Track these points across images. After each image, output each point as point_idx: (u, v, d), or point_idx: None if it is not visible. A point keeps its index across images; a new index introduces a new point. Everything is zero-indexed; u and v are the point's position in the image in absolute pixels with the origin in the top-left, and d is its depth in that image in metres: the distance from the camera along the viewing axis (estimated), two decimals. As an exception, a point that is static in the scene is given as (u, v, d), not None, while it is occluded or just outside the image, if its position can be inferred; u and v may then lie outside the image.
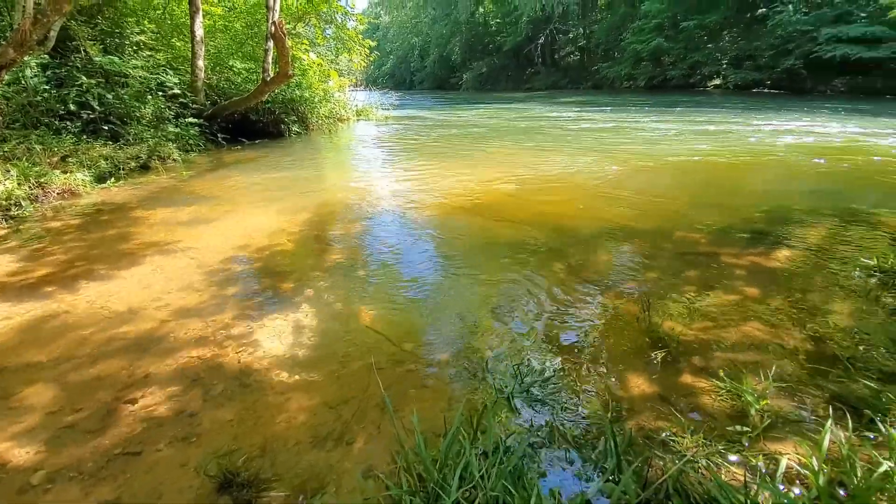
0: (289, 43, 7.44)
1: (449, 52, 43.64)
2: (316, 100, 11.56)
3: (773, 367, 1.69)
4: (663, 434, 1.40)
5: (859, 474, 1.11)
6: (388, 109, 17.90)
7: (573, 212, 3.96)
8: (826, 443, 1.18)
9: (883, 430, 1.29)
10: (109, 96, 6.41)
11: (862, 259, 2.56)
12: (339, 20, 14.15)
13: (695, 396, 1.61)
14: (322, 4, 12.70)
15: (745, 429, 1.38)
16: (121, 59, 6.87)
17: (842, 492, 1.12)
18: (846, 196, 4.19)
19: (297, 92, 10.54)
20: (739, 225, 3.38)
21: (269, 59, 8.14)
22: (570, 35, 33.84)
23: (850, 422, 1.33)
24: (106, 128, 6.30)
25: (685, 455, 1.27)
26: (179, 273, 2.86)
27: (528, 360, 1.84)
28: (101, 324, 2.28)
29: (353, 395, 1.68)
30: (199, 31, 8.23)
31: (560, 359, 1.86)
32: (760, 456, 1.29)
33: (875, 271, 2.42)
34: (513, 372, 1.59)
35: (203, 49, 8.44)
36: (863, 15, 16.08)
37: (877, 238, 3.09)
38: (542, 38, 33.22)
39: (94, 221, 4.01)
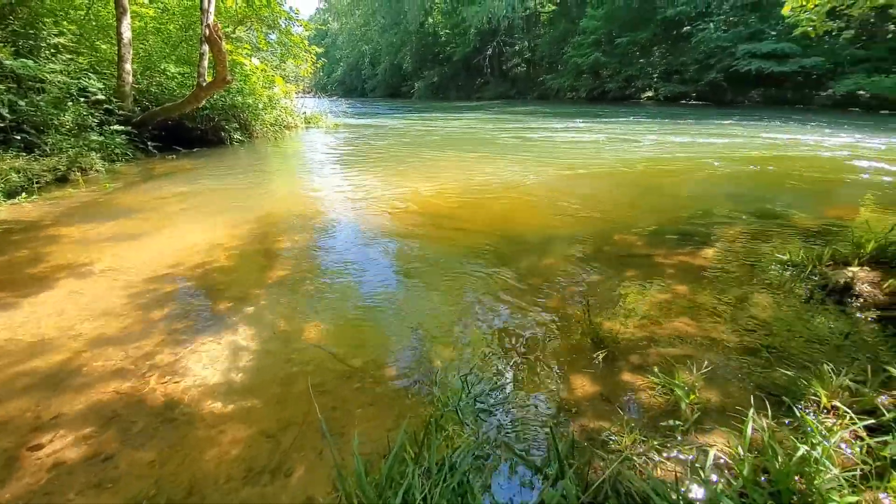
0: (226, 47, 7.10)
1: (400, 60, 43.75)
2: (260, 106, 11.12)
3: (702, 360, 1.80)
4: (604, 434, 1.44)
5: (780, 460, 1.19)
6: (339, 117, 17.59)
7: (522, 218, 4.05)
8: (749, 432, 1.26)
9: (797, 414, 1.40)
10: (22, 103, 5.77)
11: (777, 255, 2.82)
12: (283, 25, 13.73)
13: (634, 393, 1.67)
14: (263, 9, 12.28)
15: (678, 423, 1.45)
16: (36, 62, 6.21)
17: (765, 478, 1.20)
18: (762, 198, 4.62)
19: (238, 98, 10.08)
20: (670, 227, 3.62)
21: (205, 63, 7.71)
22: (517, 47, 35.13)
23: (769, 410, 1.43)
24: (18, 137, 5.66)
25: (624, 453, 1.31)
26: (99, 297, 2.59)
27: (477, 368, 1.84)
28: (4, 359, 2.00)
29: (293, 421, 1.58)
30: (127, 34, 7.65)
31: (508, 365, 1.87)
32: (693, 448, 1.35)
33: (788, 265, 2.67)
34: (461, 382, 1.57)
35: (131, 52, 7.85)
36: (773, 33, 18.02)
37: (789, 235, 3.42)
38: (490, 49, 34.22)
39: (2, 242, 3.56)
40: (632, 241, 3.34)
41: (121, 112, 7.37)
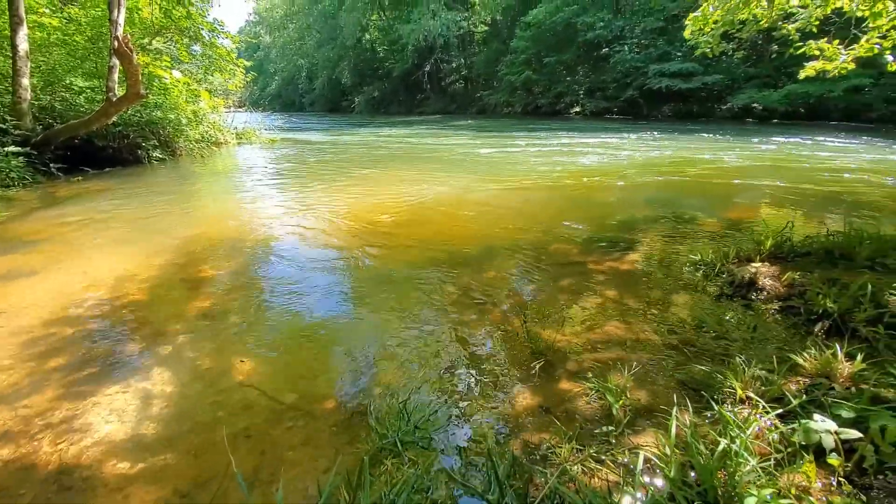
0: (139, 60, 6.55)
1: (338, 75, 43.15)
2: (183, 122, 10.37)
3: (632, 362, 1.88)
4: (544, 447, 1.44)
5: (703, 456, 1.26)
6: (275, 132, 16.89)
7: (463, 232, 4.08)
8: (673, 430, 1.33)
9: (715, 408, 1.50)
10: None
11: (690, 256, 3.07)
12: (208, 37, 13.03)
13: (571, 401, 1.71)
14: (183, 20, 11.58)
15: (611, 428, 1.49)
16: None
17: (693, 474, 1.26)
18: (676, 203, 5.07)
19: (157, 113, 9.33)
20: (600, 234, 3.84)
21: (115, 76, 7.07)
22: (454, 64, 36.18)
23: (691, 406, 1.52)
24: None
25: (561, 466, 1.32)
26: (-26, 348, 2.21)
27: (418, 392, 1.78)
28: None
29: (215, 474, 1.42)
30: (23, 45, 6.82)
31: (449, 386, 1.84)
32: (626, 452, 1.40)
33: (700, 265, 2.92)
34: (400, 410, 1.51)
35: (29, 65, 7.00)
36: (679, 54, 20.19)
37: (700, 237, 3.76)
38: (428, 66, 34.90)
39: None
40: (566, 249, 3.49)
41: (17, 132, 6.53)
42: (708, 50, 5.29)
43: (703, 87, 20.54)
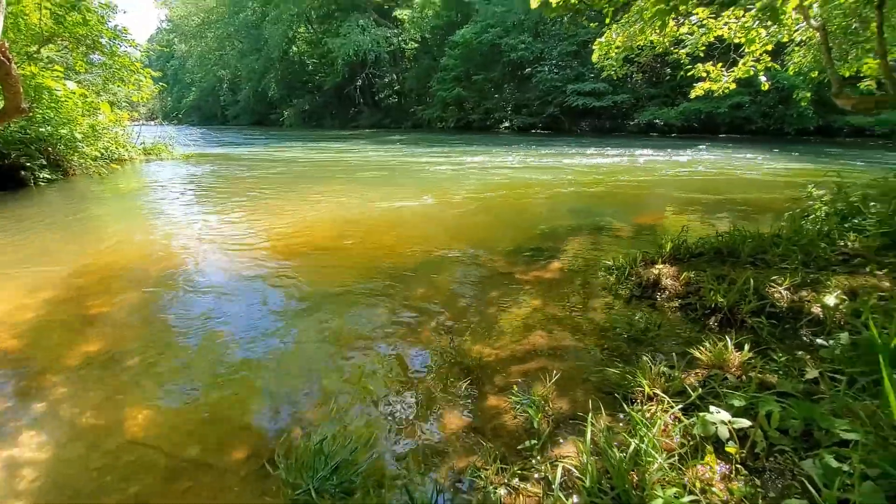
0: (28, 70, 5.69)
1: (265, 87, 41.18)
2: (79, 137, 9.22)
3: (554, 370, 1.94)
4: (469, 471, 1.42)
5: (616, 459, 1.30)
6: (192, 146, 15.65)
7: (394, 248, 4.02)
8: (589, 437, 1.37)
9: (626, 409, 1.58)
10: None
11: (604, 261, 3.29)
12: (108, 46, 11.82)
13: (498, 418, 1.71)
14: (79, 27, 10.40)
15: (534, 441, 1.51)
16: None
17: (609, 479, 1.30)
18: (593, 212, 5.45)
19: (46, 129, 8.20)
20: (526, 244, 3.99)
21: (-14, 88, 6.08)
22: (387, 80, 36.26)
23: (603, 410, 1.59)
24: None
25: (486, 489, 1.30)
26: None
27: (342, 427, 1.68)
28: None
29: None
30: None
31: (375, 418, 1.76)
32: (549, 465, 1.42)
33: (613, 269, 3.13)
34: (318, 452, 1.39)
35: None
36: (591, 75, 22.03)
37: (613, 243, 4.06)
38: (361, 80, 34.61)
39: None
40: (495, 261, 3.57)
41: None
42: (613, 72, 5.81)
43: (614, 105, 22.70)
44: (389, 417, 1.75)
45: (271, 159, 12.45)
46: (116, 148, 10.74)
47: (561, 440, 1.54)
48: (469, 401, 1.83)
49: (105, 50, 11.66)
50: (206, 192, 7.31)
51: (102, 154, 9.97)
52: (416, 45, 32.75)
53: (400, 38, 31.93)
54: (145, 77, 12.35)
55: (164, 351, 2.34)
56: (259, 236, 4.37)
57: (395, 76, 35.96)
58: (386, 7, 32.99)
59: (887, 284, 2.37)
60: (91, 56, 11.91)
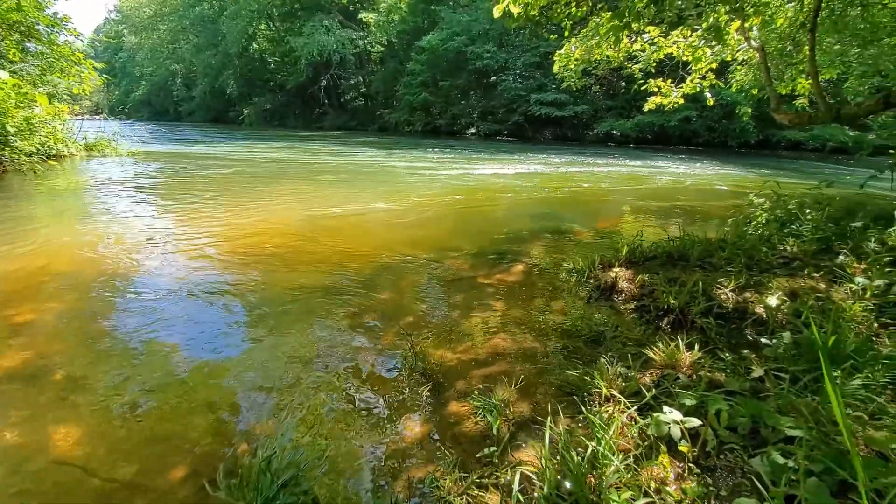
0: None
1: (222, 83, 39.46)
2: (11, 131, 8.41)
3: (516, 373, 1.93)
4: (428, 481, 1.37)
5: (574, 463, 1.29)
6: (141, 143, 14.72)
7: (357, 250, 3.90)
8: (547, 442, 1.35)
9: (584, 411, 1.58)
10: None
11: (565, 264, 3.35)
12: (46, 34, 10.93)
13: (458, 424, 1.67)
14: (12, 13, 9.55)
15: (493, 448, 1.48)
16: None
17: (567, 484, 1.28)
18: (555, 216, 5.58)
19: (-32, 121, 7.42)
20: (489, 248, 4.00)
21: None
22: (352, 81, 35.73)
23: (563, 413, 1.59)
24: None
25: (445, 498, 1.25)
26: None
27: (288, 446, 1.57)
28: None
29: None
30: None
31: (333, 430, 1.67)
32: (508, 470, 1.39)
33: (573, 272, 3.19)
34: (261, 471, 1.29)
35: None
36: (553, 86, 22.75)
37: (574, 246, 4.15)
38: (325, 81, 33.91)
39: None
40: (459, 264, 3.55)
41: None
42: (572, 83, 6.02)
43: (574, 115, 23.58)
44: (345, 428, 1.67)
45: (228, 158, 11.88)
46: (54, 143, 9.88)
47: (521, 445, 1.52)
48: (429, 408, 1.78)
49: (42, 38, 10.78)
50: (150, 192, 6.84)
51: (38, 150, 9.15)
52: (382, 49, 32.53)
53: (366, 41, 31.60)
54: (88, 69, 11.50)
55: (97, 363, 2.13)
56: (207, 240, 4.12)
57: (361, 78, 35.53)
58: (351, 9, 32.59)
59: (823, 286, 2.55)
60: (27, 44, 10.98)
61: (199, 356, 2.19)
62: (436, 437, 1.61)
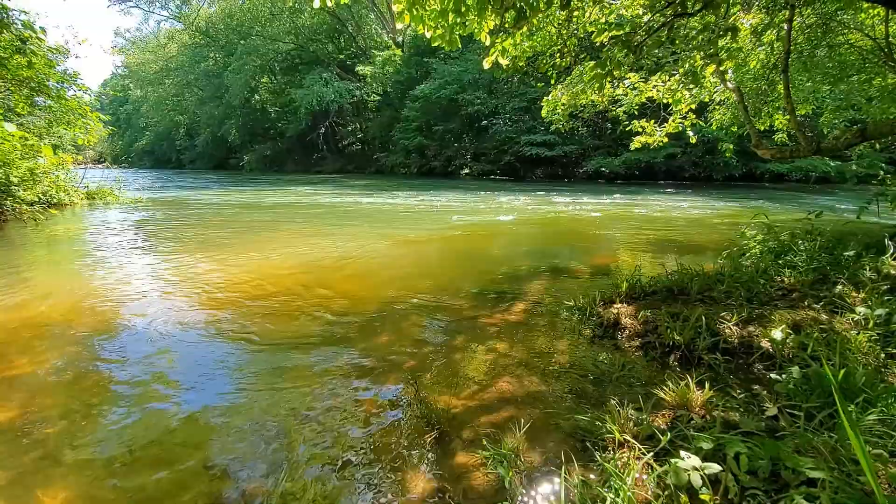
0: None
1: (225, 132, 40.84)
2: (14, 181, 8.59)
3: (524, 418, 1.87)
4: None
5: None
6: (143, 191, 14.97)
7: (358, 292, 3.88)
8: (563, 495, 1.29)
9: (598, 458, 1.52)
10: None
11: (566, 302, 3.33)
12: (56, 89, 11.40)
13: (468, 477, 1.59)
14: (23, 70, 10.01)
15: (507, 502, 1.41)
16: None
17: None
18: (552, 254, 5.62)
19: (-28, 174, 7.57)
20: (490, 287, 4.00)
21: None
22: (350, 128, 37.16)
23: (577, 461, 1.53)
24: None
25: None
26: None
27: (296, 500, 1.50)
28: None
29: None
30: None
31: (332, 488, 1.59)
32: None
33: (575, 310, 3.17)
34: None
35: None
36: (542, 127, 23.74)
37: (573, 283, 4.15)
38: (324, 128, 35.24)
39: None
40: (459, 304, 3.53)
41: None
42: (560, 125, 6.30)
43: (564, 154, 24.48)
44: (347, 484, 1.59)
45: (229, 203, 12.06)
46: (56, 192, 10.06)
47: (536, 498, 1.44)
48: (436, 459, 1.70)
49: (52, 93, 11.23)
50: (148, 238, 6.87)
51: (40, 199, 9.30)
52: (378, 97, 34.06)
53: (363, 91, 33.14)
54: (94, 121, 11.90)
55: (90, 418, 2.05)
56: (208, 286, 4.10)
57: (358, 125, 36.93)
58: (349, 63, 34.46)
59: (825, 317, 2.54)
60: (36, 98, 11.41)
61: (195, 410, 2.12)
62: (444, 491, 1.53)
